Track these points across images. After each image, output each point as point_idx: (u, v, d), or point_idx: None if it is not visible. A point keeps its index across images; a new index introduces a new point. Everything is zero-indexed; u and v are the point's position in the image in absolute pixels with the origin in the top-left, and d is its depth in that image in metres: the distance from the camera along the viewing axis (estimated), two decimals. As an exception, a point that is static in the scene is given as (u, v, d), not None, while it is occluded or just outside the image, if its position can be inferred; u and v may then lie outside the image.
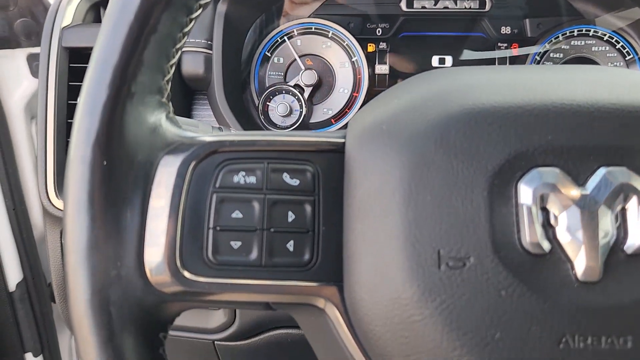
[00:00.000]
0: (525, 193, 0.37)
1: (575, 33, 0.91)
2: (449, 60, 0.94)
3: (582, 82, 0.41)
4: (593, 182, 0.37)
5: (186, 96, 0.89)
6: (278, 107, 0.91)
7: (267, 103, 0.92)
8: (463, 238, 0.37)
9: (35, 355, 1.33)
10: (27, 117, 1.21)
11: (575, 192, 0.37)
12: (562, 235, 0.37)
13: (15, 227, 1.25)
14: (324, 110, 0.93)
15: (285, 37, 0.94)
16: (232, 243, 0.41)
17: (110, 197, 0.39)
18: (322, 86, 0.94)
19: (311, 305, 0.43)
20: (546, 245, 0.37)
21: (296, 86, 0.92)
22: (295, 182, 0.42)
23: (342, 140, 0.44)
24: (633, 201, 0.37)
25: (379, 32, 0.95)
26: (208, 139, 0.43)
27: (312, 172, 0.43)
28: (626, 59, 0.90)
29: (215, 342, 0.92)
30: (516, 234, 0.37)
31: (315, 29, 0.94)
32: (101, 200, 0.39)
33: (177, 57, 0.44)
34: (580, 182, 0.38)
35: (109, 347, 0.38)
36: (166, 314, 0.42)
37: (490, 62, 0.93)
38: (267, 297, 0.42)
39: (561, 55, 0.91)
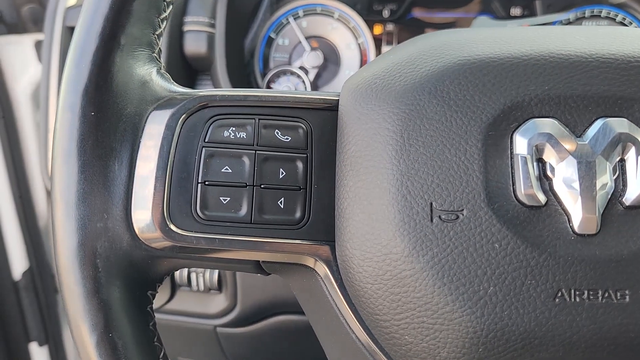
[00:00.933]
0: (521, 144, 0.36)
1: (587, 14, 0.89)
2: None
3: (581, 35, 0.39)
4: (591, 132, 0.35)
5: (189, 76, 0.88)
6: (282, 89, 0.90)
7: (271, 85, 0.91)
8: (456, 190, 0.35)
9: (40, 345, 1.32)
10: (34, 104, 1.21)
11: (572, 143, 0.35)
12: (559, 187, 0.35)
13: (21, 215, 1.25)
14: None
15: (291, 18, 0.92)
16: (221, 198, 0.40)
17: (98, 147, 0.38)
18: (328, 68, 0.92)
19: (302, 265, 0.41)
20: (542, 197, 0.35)
21: (301, 68, 0.91)
22: (287, 138, 0.41)
23: (336, 98, 0.42)
24: (632, 152, 0.35)
25: (386, 13, 0.93)
26: (199, 93, 0.42)
27: (305, 129, 0.41)
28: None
29: (217, 327, 0.90)
30: (511, 186, 0.35)
31: (321, 10, 0.93)
32: (89, 151, 0.38)
33: (168, 11, 0.44)
34: (578, 133, 0.36)
35: (95, 299, 0.37)
36: (155, 270, 0.41)
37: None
38: (257, 255, 0.41)
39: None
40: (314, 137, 0.41)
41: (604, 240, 0.34)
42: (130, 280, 0.39)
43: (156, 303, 0.88)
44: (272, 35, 0.93)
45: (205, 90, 0.43)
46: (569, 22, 0.89)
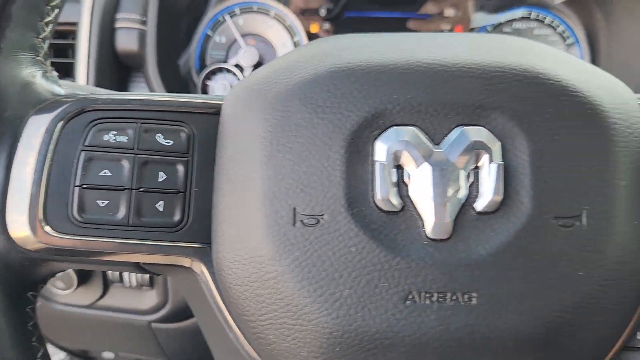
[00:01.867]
0: (380, 151, 0.37)
1: (517, 16, 0.90)
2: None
3: (450, 44, 0.41)
4: (448, 140, 0.37)
5: (123, 74, 0.88)
6: (218, 87, 0.90)
7: (207, 82, 0.91)
8: (318, 195, 0.36)
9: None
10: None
11: (428, 150, 0.36)
12: (414, 193, 0.36)
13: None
14: (265, 91, 0.92)
15: (227, 16, 0.93)
16: (99, 201, 0.40)
17: None
18: (264, 66, 0.93)
19: (182, 266, 0.42)
20: (398, 202, 0.36)
21: (237, 66, 0.91)
22: (168, 142, 0.42)
23: (221, 102, 0.43)
24: (485, 160, 0.36)
25: (322, 12, 0.94)
26: (80, 96, 0.43)
27: (188, 133, 0.42)
28: (566, 42, 0.90)
29: (152, 323, 0.91)
30: (370, 192, 0.36)
31: (257, 8, 0.93)
32: None
33: (53, 15, 0.44)
34: (437, 140, 0.37)
35: None
36: (33, 273, 0.42)
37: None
38: (136, 257, 0.41)
39: (503, 38, 0.91)
40: (197, 141, 0.42)
41: (455, 244, 0.36)
42: (6, 282, 0.40)
43: (88, 299, 0.89)
44: (209, 32, 0.93)
45: (87, 93, 0.43)
46: (499, 25, 0.91)
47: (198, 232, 0.41)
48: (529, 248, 0.35)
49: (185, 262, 0.41)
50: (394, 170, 0.37)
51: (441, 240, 0.36)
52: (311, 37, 0.94)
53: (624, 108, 0.39)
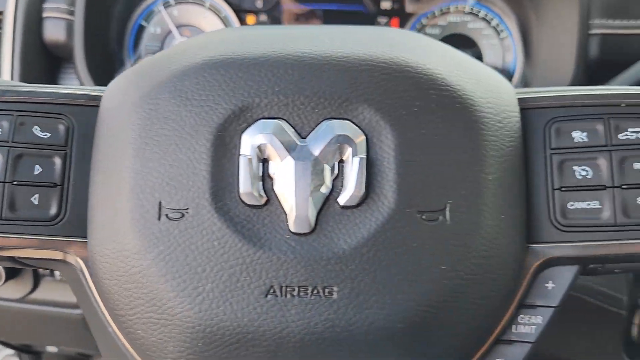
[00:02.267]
0: (246, 144, 0.36)
1: (451, 10, 0.90)
2: (328, 34, 0.93)
3: (328, 36, 0.40)
4: (314, 134, 0.36)
5: (52, 64, 0.87)
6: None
7: (141, 74, 0.90)
8: (183, 189, 0.36)
9: None
10: None
11: (292, 143, 0.36)
12: (278, 187, 0.36)
13: None
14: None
15: (162, 6, 0.92)
16: None
17: None
18: (199, 58, 0.92)
19: (59, 260, 0.41)
20: (262, 197, 0.36)
21: (171, 57, 0.90)
22: (45, 135, 0.41)
23: (101, 94, 0.42)
24: (349, 153, 0.36)
25: (259, 4, 0.93)
26: None
27: (67, 125, 0.41)
28: (500, 36, 0.90)
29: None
30: (236, 186, 0.36)
31: (192, -1, 0.92)
32: None
33: None
34: (304, 134, 0.37)
35: None
36: None
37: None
38: (11, 252, 0.41)
39: (438, 31, 0.91)
40: (76, 133, 0.41)
41: (318, 239, 0.36)
42: None
43: (19, 293, 0.88)
44: (143, 23, 0.92)
45: None
46: (434, 17, 0.91)
47: (76, 225, 0.40)
48: (391, 242, 0.35)
49: (62, 255, 0.41)
50: (260, 164, 0.36)
51: (304, 234, 0.36)
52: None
53: (496, 102, 0.39)
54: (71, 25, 0.83)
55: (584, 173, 0.40)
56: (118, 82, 0.42)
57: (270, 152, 0.36)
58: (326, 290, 0.35)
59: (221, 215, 0.36)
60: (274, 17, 0.94)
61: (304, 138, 0.37)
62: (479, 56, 0.91)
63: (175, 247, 0.36)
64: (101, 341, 0.43)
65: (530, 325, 0.40)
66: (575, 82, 0.75)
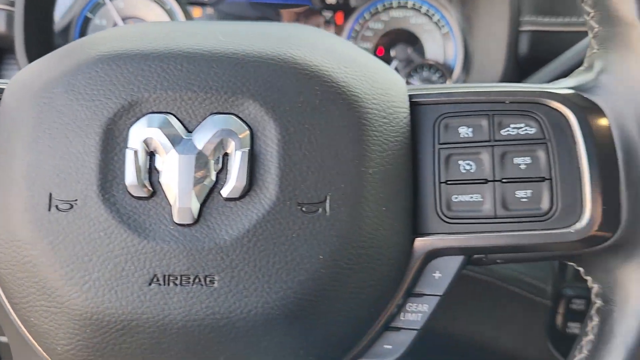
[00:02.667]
0: (134, 138, 0.38)
1: (395, 4, 0.92)
2: (274, 28, 0.94)
3: (219, 33, 0.41)
4: (200, 128, 0.38)
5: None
6: None
7: (86, 65, 0.90)
8: (72, 181, 0.37)
9: None
10: None
11: (178, 137, 0.37)
12: (164, 179, 0.37)
13: None
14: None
15: (107, -2, 0.92)
16: None
17: None
18: (145, 50, 0.92)
19: None
20: (148, 189, 0.37)
21: (116, 49, 0.91)
22: None
23: (3, 87, 0.43)
24: (232, 147, 0.37)
25: (205, -3, 0.94)
26: None
27: None
28: (441, 31, 0.92)
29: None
30: (123, 178, 0.37)
31: (138, -9, 0.93)
32: None
33: None
34: (191, 128, 0.38)
35: None
36: None
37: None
38: None
39: (381, 26, 0.92)
40: None
41: (201, 229, 0.37)
42: None
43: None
44: (89, 15, 0.92)
45: None
46: (377, 12, 0.92)
47: None
48: (272, 233, 0.37)
49: None
50: (147, 157, 0.38)
51: (187, 225, 0.37)
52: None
53: (383, 99, 0.40)
54: (11, 16, 0.83)
55: (467, 167, 0.41)
56: (19, 75, 0.42)
57: (156, 145, 0.37)
58: (207, 279, 0.36)
59: (108, 207, 0.37)
60: (220, 10, 0.95)
61: (191, 132, 0.38)
62: (421, 51, 0.93)
63: (64, 237, 0.37)
64: (6, 329, 0.44)
65: (417, 313, 0.42)
66: (505, 77, 0.77)
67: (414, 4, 0.92)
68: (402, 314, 0.42)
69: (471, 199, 0.41)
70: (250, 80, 0.38)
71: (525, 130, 0.41)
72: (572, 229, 0.39)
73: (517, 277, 0.74)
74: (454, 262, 0.42)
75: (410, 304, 0.42)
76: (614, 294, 0.40)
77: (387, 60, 0.92)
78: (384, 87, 0.41)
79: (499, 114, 0.41)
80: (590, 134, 0.40)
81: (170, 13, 0.92)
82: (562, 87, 0.42)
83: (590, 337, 0.41)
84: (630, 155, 0.39)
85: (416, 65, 0.91)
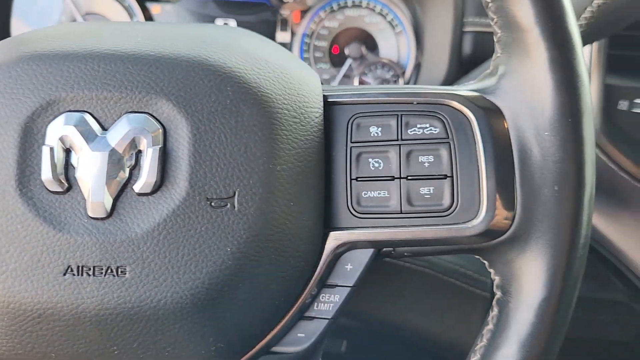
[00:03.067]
0: (51, 135, 0.39)
1: (349, 3, 0.94)
2: (232, 24, 0.95)
3: (139, 35, 0.43)
4: (114, 126, 0.39)
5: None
6: None
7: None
8: None
9: None
10: None
11: (92, 135, 0.39)
12: (79, 175, 0.39)
13: None
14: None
15: (66, -5, 0.93)
16: None
17: None
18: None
19: None
20: (63, 183, 0.39)
21: (75, 45, 0.92)
22: None
23: None
24: (145, 145, 0.39)
25: (164, -6, 0.96)
26: None
27: None
28: (395, 30, 0.94)
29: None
30: (40, 173, 0.39)
31: (97, -13, 0.94)
32: None
33: None
34: (107, 126, 0.40)
35: None
36: None
37: (271, 26, 0.95)
38: None
39: (336, 25, 0.94)
40: None
41: (114, 223, 0.39)
42: None
43: None
44: (48, 10, 0.94)
45: None
46: (332, 11, 0.94)
47: None
48: (181, 226, 0.39)
49: None
50: (64, 153, 0.39)
51: (100, 218, 0.39)
52: (151, 19, 0.95)
53: (295, 99, 0.42)
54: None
55: (376, 165, 0.43)
56: None
57: (71, 142, 0.39)
58: (119, 270, 0.38)
59: (25, 201, 0.39)
60: (179, 6, 0.96)
61: (106, 130, 0.40)
62: (375, 49, 0.95)
63: None
64: None
65: (329, 303, 0.44)
66: (449, 76, 0.80)
67: (368, 3, 0.94)
68: (315, 304, 0.44)
69: (379, 195, 0.43)
70: (164, 81, 0.40)
71: (430, 130, 0.43)
72: (470, 224, 0.42)
73: (458, 270, 0.77)
74: (364, 255, 0.44)
75: (324, 295, 0.44)
76: (510, 285, 0.42)
77: (342, 58, 0.95)
78: (297, 87, 0.43)
79: (406, 115, 0.44)
80: (488, 134, 0.42)
81: (128, 10, 0.94)
82: (467, 89, 0.44)
83: (490, 326, 0.43)
84: (525, 155, 0.41)
85: (370, 63, 0.93)
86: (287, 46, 0.95)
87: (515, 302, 0.42)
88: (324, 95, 0.45)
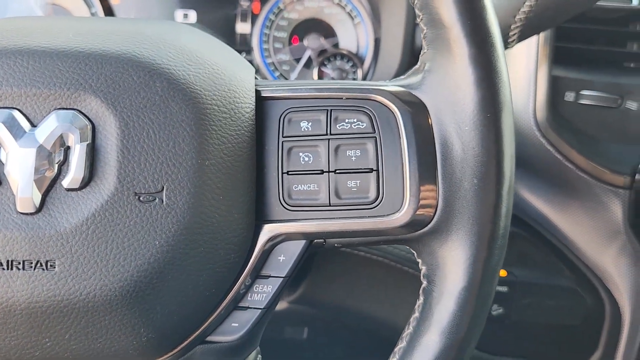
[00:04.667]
0: None
1: None
2: (192, 15, 0.96)
3: (70, 31, 0.44)
4: (43, 123, 0.40)
5: None
6: None
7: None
8: None
9: None
10: None
11: (21, 132, 0.40)
12: (7, 171, 0.40)
13: None
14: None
15: (24, -14, 0.93)
16: None
17: None
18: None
19: None
20: None
21: (34, 36, 0.92)
22: None
23: None
24: (73, 141, 0.40)
25: (124, -15, 0.96)
26: None
27: None
28: (354, 21, 0.94)
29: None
30: None
31: (56, -22, 0.94)
32: None
33: None
34: (36, 123, 0.40)
35: None
36: None
37: (231, 18, 0.95)
38: None
39: (296, 15, 0.95)
40: None
41: (43, 218, 0.40)
42: None
43: None
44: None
45: None
46: (291, 2, 0.94)
47: None
48: (110, 221, 0.40)
49: None
50: None
51: (29, 213, 0.39)
52: (110, 9, 0.95)
53: (225, 95, 0.43)
54: None
55: (306, 159, 0.45)
56: None
57: (2, 139, 0.40)
58: (49, 264, 0.39)
59: None
60: (139, -2, 0.96)
61: (35, 126, 0.40)
62: (335, 40, 0.95)
63: None
64: None
65: (262, 293, 0.46)
66: (401, 68, 0.81)
67: (339, 1, 0.94)
68: (249, 294, 0.46)
69: (309, 189, 0.44)
70: (93, 77, 0.41)
71: (358, 124, 0.44)
72: (395, 216, 0.43)
73: (411, 258, 0.79)
74: (296, 246, 0.45)
75: (257, 285, 0.46)
76: (435, 274, 0.44)
77: (302, 49, 0.95)
78: (229, 83, 0.44)
79: (336, 110, 0.45)
80: (412, 129, 0.43)
81: (87, 1, 0.94)
82: (395, 84, 0.45)
83: (416, 314, 0.45)
84: (447, 149, 0.42)
85: (329, 54, 0.94)
86: (247, 37, 0.95)
87: (438, 291, 0.43)
88: (256, 90, 0.46)
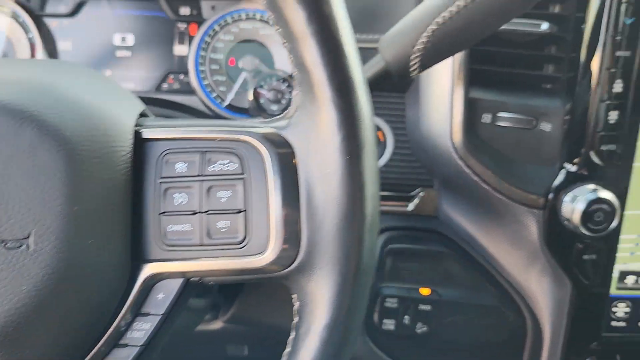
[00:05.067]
0: None
1: (244, 16, 0.95)
2: (130, 38, 0.96)
3: None
4: None
5: None
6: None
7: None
8: None
9: None
10: None
11: None
12: None
13: None
14: None
15: (-39, 12, 0.94)
16: None
17: None
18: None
19: None
20: None
21: (-29, 61, 0.93)
22: None
23: None
24: None
25: (62, 9, 0.96)
26: None
27: None
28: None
29: None
30: None
31: (-6, 4, 0.94)
32: None
33: None
34: None
35: None
36: None
37: (169, 40, 0.96)
38: None
39: (232, 37, 0.96)
40: None
41: None
42: None
43: None
44: None
45: None
46: (226, 24, 0.96)
47: None
48: None
49: None
50: None
51: None
52: (49, 34, 0.96)
53: (98, 140, 0.44)
54: None
55: (181, 199, 0.46)
56: None
57: None
58: None
59: None
60: (77, 21, 0.97)
61: None
62: (270, 61, 0.97)
63: None
64: None
65: (141, 330, 0.47)
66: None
67: (262, 16, 0.95)
68: (129, 332, 0.47)
69: (182, 229, 0.46)
70: None
71: (229, 166, 0.46)
72: (261, 256, 0.44)
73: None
74: (174, 284, 0.46)
75: (137, 323, 0.47)
76: (303, 311, 0.45)
77: (238, 71, 0.96)
78: (104, 127, 0.45)
79: (209, 151, 0.46)
80: (279, 170, 0.44)
81: (23, 25, 0.95)
82: (267, 125, 0.47)
83: (288, 349, 0.46)
84: (310, 190, 0.44)
85: (265, 75, 0.95)
86: (184, 59, 0.96)
87: (305, 327, 0.44)
88: (136, 132, 0.47)
